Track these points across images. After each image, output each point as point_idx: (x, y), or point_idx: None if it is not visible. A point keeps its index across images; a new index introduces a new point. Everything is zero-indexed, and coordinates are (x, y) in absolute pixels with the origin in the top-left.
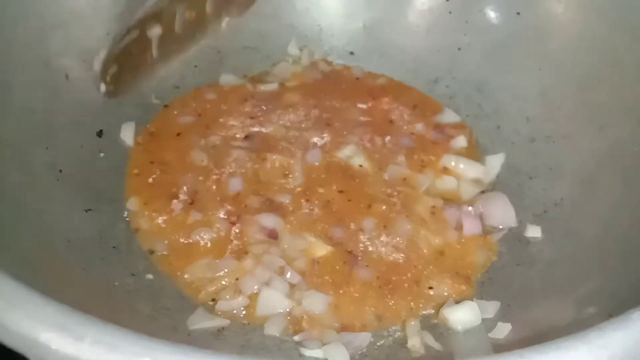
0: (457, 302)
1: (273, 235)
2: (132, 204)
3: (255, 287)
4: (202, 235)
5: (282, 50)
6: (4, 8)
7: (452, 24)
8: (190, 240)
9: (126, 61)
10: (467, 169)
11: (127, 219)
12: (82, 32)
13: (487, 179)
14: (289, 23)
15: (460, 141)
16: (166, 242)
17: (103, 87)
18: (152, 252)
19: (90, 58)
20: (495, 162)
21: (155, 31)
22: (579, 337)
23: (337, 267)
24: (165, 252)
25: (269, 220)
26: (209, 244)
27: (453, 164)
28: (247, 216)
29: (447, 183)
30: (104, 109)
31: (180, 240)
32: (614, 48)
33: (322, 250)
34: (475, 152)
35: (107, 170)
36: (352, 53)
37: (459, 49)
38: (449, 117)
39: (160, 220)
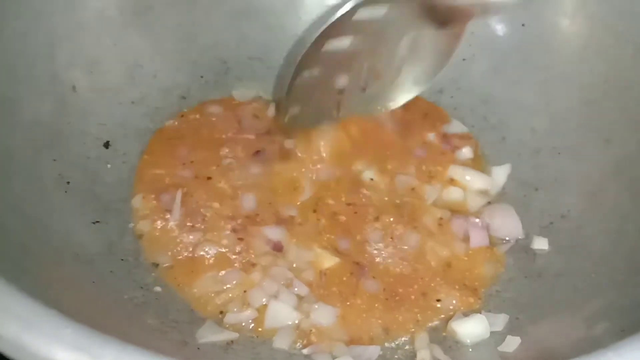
0: (466, 315)
1: (278, 248)
2: (137, 201)
3: (264, 299)
4: (206, 250)
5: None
6: (12, 21)
7: None
8: (195, 255)
9: (307, 103)
10: (474, 180)
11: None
12: (89, 43)
13: (493, 190)
14: (294, 33)
15: (466, 152)
16: (169, 253)
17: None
18: (156, 264)
19: (97, 69)
20: (501, 173)
21: (341, 81)
22: (594, 356)
23: (344, 279)
24: (169, 264)
25: (274, 233)
26: (213, 259)
27: (459, 175)
28: (253, 229)
29: (453, 194)
30: (111, 120)
31: (184, 254)
32: (620, 60)
33: (329, 261)
34: (481, 163)
35: (115, 181)
36: None
37: (464, 59)
38: (455, 127)
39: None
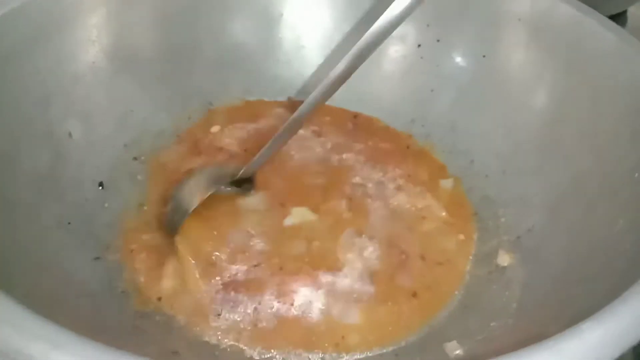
0: None
1: None
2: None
3: None
4: None
5: (269, 98)
6: (9, 79)
7: (424, 68)
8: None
9: None
10: None
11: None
12: (82, 94)
13: None
14: (274, 74)
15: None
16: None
17: None
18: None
19: (90, 117)
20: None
21: None
22: (536, 347)
23: None
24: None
25: None
26: None
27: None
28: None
29: None
30: (105, 163)
31: None
32: (571, 87)
33: None
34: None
35: (112, 220)
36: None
37: (432, 90)
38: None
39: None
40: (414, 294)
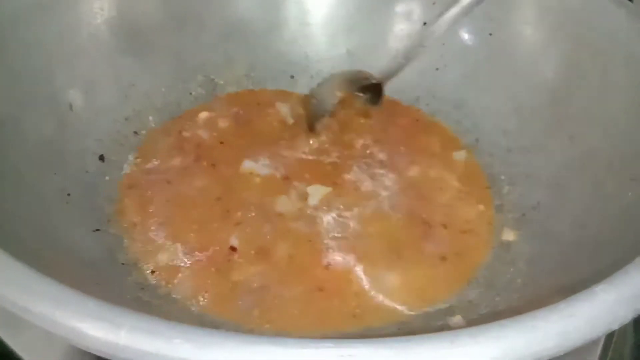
0: None
1: None
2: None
3: None
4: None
5: (273, 76)
6: (12, 47)
7: (429, 46)
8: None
9: None
10: None
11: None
12: (85, 65)
13: None
14: (278, 51)
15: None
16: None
17: None
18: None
19: (92, 89)
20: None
21: None
22: (549, 309)
23: None
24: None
25: None
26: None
27: None
28: None
29: None
30: (107, 136)
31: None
32: (579, 63)
33: None
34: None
35: (113, 192)
36: None
37: (437, 69)
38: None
39: None
40: (444, 258)
